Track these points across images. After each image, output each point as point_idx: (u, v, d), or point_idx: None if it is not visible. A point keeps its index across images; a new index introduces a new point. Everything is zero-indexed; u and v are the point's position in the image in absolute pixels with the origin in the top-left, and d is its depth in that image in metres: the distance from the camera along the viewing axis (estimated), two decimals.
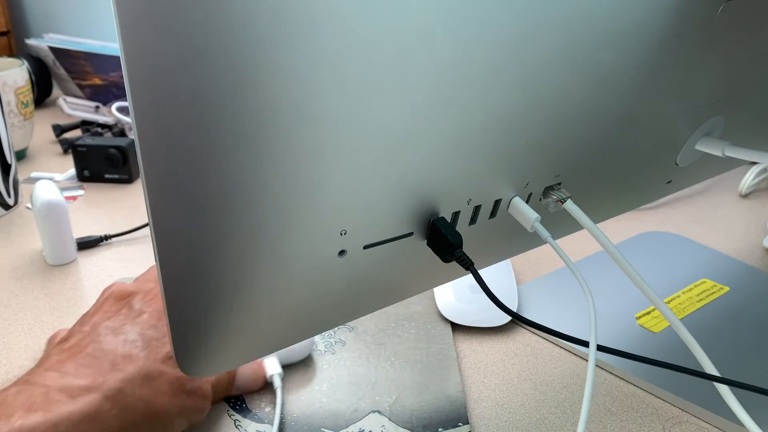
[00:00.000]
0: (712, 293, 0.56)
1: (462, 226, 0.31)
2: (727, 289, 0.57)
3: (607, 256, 0.39)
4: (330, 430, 0.41)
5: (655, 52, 0.31)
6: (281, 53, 0.20)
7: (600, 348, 0.31)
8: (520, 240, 0.36)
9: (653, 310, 0.53)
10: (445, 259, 0.29)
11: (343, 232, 0.26)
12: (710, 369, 0.32)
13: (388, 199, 0.26)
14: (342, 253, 0.27)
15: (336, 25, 0.20)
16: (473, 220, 0.31)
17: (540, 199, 0.34)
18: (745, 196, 0.79)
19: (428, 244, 0.30)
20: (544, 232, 0.31)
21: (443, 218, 0.29)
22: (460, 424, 0.41)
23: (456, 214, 0.30)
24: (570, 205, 0.33)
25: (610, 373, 0.47)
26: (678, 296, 0.55)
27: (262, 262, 0.24)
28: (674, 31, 0.31)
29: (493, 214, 0.32)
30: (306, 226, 0.25)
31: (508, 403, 0.44)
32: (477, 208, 0.31)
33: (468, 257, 0.29)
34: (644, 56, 0.31)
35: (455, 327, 0.52)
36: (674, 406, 0.44)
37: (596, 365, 0.48)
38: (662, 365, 0.31)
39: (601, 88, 0.30)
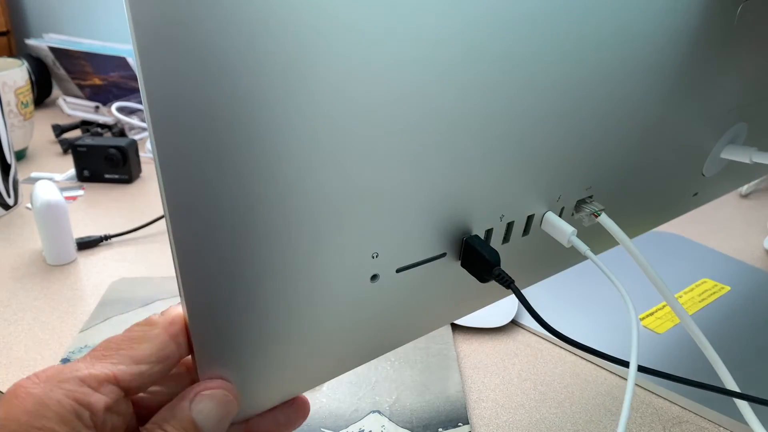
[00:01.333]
0: (713, 293, 0.56)
1: (495, 245, 0.30)
2: (728, 288, 0.57)
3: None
4: (330, 430, 0.41)
5: (678, 59, 0.31)
6: (298, 72, 0.19)
7: (642, 369, 0.29)
8: (556, 257, 0.35)
9: (656, 311, 0.53)
10: (483, 279, 0.28)
11: (375, 255, 0.25)
12: (725, 375, 0.32)
13: (419, 218, 0.25)
14: (374, 277, 0.26)
15: (361, 38, 0.19)
16: (506, 238, 0.30)
17: (572, 214, 0.32)
18: (746, 196, 0.79)
19: (463, 264, 0.28)
20: (582, 246, 0.30)
21: (477, 236, 0.28)
22: (460, 424, 0.41)
23: (489, 232, 0.29)
24: (604, 219, 0.32)
25: (611, 372, 0.47)
26: (680, 296, 0.55)
27: (291, 289, 0.23)
28: (696, 37, 0.30)
29: (526, 231, 0.31)
30: (336, 249, 0.23)
31: (508, 403, 0.44)
32: (510, 225, 0.30)
33: (507, 275, 0.27)
34: (669, 64, 0.30)
35: (455, 327, 0.52)
36: (675, 404, 0.44)
37: (596, 364, 0.48)
38: (696, 385, 0.30)
39: (628, 98, 0.30)
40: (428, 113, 0.23)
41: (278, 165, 0.20)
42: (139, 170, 0.84)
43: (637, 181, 0.36)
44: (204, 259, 0.20)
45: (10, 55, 1.27)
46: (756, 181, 0.78)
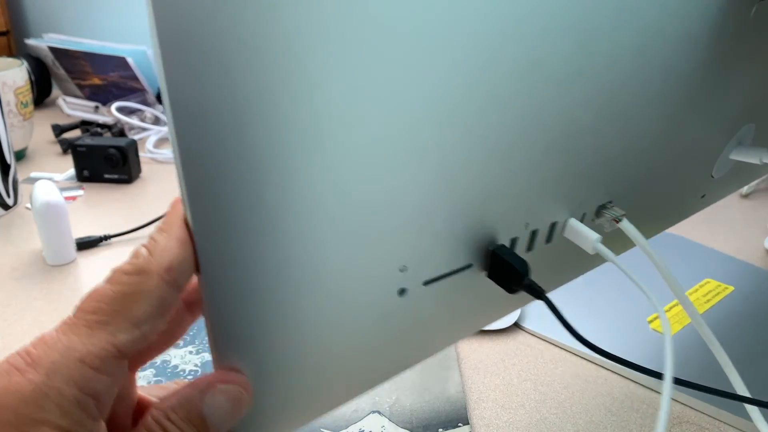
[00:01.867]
0: (718, 293, 0.56)
1: (519, 254, 0.29)
2: (731, 288, 0.57)
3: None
4: (330, 430, 0.41)
5: (695, 60, 0.30)
6: (321, 76, 0.18)
7: (678, 381, 0.28)
8: (575, 263, 0.34)
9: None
10: (511, 290, 0.27)
11: (403, 268, 0.24)
12: (735, 378, 0.32)
13: (446, 229, 0.24)
14: (402, 292, 0.24)
15: (388, 43, 0.19)
16: (530, 246, 0.29)
17: (592, 219, 0.32)
18: (746, 196, 0.79)
19: (489, 275, 0.27)
20: (608, 253, 0.29)
21: (504, 245, 0.27)
22: (460, 424, 0.41)
23: (513, 241, 0.28)
24: (626, 224, 0.31)
25: (612, 372, 0.47)
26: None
27: (317, 304, 0.22)
28: (712, 38, 0.30)
29: (549, 238, 0.30)
30: (363, 262, 0.22)
31: (508, 404, 0.44)
32: (534, 233, 0.29)
33: (538, 285, 0.26)
34: (687, 66, 0.30)
35: None
36: (677, 401, 0.44)
37: (596, 364, 0.48)
38: (730, 396, 0.30)
39: (648, 102, 0.29)
40: (455, 123, 0.22)
41: (304, 177, 0.19)
42: (139, 170, 0.84)
43: (652, 185, 0.35)
44: (225, 264, 0.19)
45: (10, 55, 1.26)
46: (756, 181, 0.78)
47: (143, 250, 0.20)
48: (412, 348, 0.28)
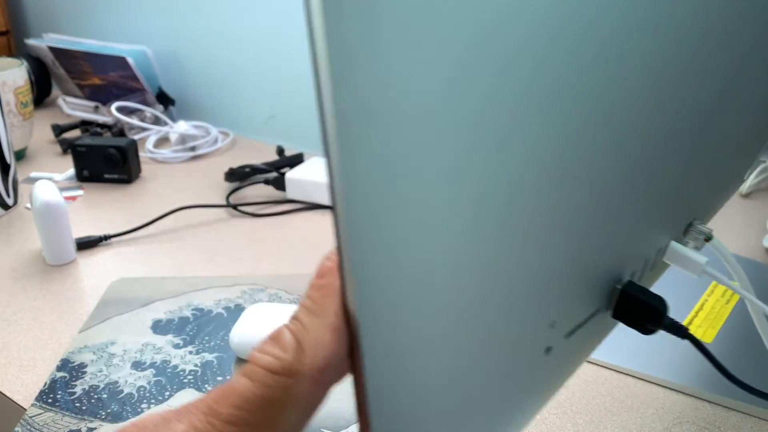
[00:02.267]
0: (734, 293, 0.56)
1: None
2: None
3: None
4: (330, 430, 0.41)
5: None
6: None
7: None
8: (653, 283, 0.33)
9: (692, 319, 0.52)
10: (647, 330, 0.25)
11: (552, 324, 0.21)
12: None
13: (586, 273, 0.23)
14: (548, 350, 0.22)
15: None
16: (641, 276, 0.27)
17: (680, 240, 0.30)
18: (746, 195, 0.79)
19: (615, 315, 0.25)
20: (720, 276, 0.27)
21: (632, 282, 0.24)
22: None
23: (633, 275, 0.26)
24: (716, 242, 0.29)
25: (612, 371, 0.47)
26: (706, 300, 0.55)
27: (472, 392, 0.20)
28: None
29: (653, 265, 0.28)
30: (520, 326, 0.20)
31: None
32: (646, 263, 0.27)
33: (679, 323, 0.24)
34: (762, 85, 0.29)
35: None
36: (683, 393, 0.44)
37: (596, 364, 0.48)
38: None
39: (730, 118, 0.29)
40: (601, 173, 0.20)
41: (478, 247, 0.17)
42: (139, 170, 0.84)
43: (712, 195, 0.34)
44: (393, 352, 0.16)
45: (10, 55, 1.26)
46: (756, 180, 0.78)
47: (288, 338, 0.16)
48: (541, 401, 0.26)
